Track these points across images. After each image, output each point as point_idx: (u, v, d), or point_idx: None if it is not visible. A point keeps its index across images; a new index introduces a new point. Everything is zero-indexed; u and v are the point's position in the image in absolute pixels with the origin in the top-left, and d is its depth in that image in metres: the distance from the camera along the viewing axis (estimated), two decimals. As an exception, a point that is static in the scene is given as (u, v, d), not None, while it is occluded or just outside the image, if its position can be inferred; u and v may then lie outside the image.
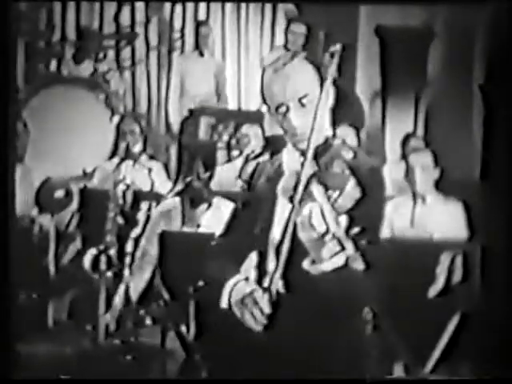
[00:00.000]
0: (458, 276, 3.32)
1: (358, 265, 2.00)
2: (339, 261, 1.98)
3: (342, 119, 3.51)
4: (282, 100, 2.15)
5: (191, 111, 4.69)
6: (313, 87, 2.16)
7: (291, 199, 1.94)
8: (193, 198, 3.54)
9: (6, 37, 4.01)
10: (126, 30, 5.08)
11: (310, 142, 1.99)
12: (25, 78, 4.62)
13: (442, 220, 3.57)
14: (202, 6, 5.17)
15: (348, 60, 4.02)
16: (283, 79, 2.14)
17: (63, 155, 4.19)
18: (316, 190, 1.94)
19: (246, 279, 2.12)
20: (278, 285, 2.13)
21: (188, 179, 3.76)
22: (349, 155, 2.08)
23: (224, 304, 2.15)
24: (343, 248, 1.95)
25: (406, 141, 4.34)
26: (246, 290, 2.04)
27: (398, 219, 3.65)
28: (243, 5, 5.09)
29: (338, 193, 1.95)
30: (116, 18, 5.10)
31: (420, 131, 4.63)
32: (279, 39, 4.95)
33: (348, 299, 2.37)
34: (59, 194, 4.09)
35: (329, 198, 1.96)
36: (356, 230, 1.98)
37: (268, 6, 5.10)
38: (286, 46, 4.46)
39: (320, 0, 4.61)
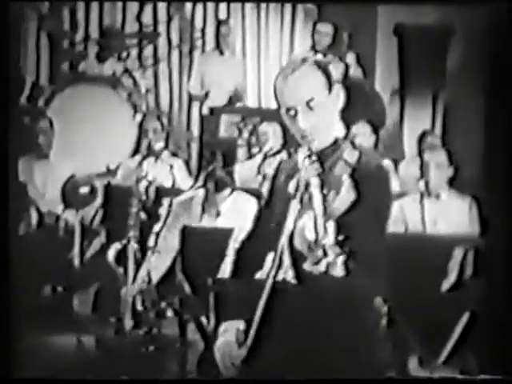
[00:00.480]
0: (469, 271, 3.48)
1: (338, 272, 2.15)
2: (321, 268, 2.15)
3: (361, 117, 3.70)
4: (291, 104, 2.32)
5: (212, 109, 4.86)
6: (320, 91, 2.32)
7: (300, 200, 2.11)
8: (216, 182, 3.73)
9: (6, 36, 4.17)
10: (149, 28, 5.27)
11: (312, 146, 2.14)
12: (49, 77, 4.73)
13: (455, 216, 3.71)
14: (223, 5, 5.35)
15: (368, 58, 4.20)
16: (293, 84, 2.31)
17: (87, 153, 4.32)
18: (315, 193, 2.10)
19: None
20: (289, 276, 2.31)
21: (211, 167, 3.95)
22: (353, 158, 2.24)
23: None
24: (325, 255, 2.12)
25: (422, 138, 4.48)
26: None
27: (412, 215, 3.80)
28: (263, 4, 5.26)
29: (334, 195, 2.11)
30: (138, 17, 5.28)
31: (438, 129, 4.76)
32: (298, 38, 5.10)
33: (360, 294, 2.54)
34: (84, 190, 4.25)
35: (325, 200, 2.12)
36: (341, 237, 2.14)
37: (287, 5, 5.27)
38: (314, 48, 4.61)
39: (339, 0, 4.77)
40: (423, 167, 3.83)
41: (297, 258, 2.31)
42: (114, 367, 3.73)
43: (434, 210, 3.82)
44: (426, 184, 3.82)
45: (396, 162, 4.27)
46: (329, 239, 2.11)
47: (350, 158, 2.28)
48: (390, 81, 4.81)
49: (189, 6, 5.36)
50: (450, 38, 4.76)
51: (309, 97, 2.29)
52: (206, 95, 4.91)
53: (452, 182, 3.90)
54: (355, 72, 4.57)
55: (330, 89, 2.32)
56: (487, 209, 3.75)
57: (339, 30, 4.72)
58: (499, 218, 3.66)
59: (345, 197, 2.21)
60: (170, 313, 3.82)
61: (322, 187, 2.19)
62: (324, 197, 2.20)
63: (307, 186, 2.24)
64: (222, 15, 5.25)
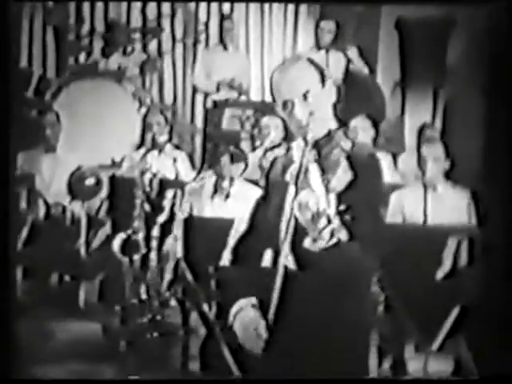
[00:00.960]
0: (463, 260, 3.65)
1: (343, 235, 2.35)
2: (327, 234, 2.34)
3: (360, 111, 3.88)
4: (289, 97, 2.51)
5: (215, 102, 5.01)
6: (315, 85, 2.52)
7: (295, 183, 2.30)
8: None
9: (6, 35, 4.33)
10: (153, 22, 5.42)
11: (308, 135, 2.33)
12: (56, 70, 4.84)
13: (451, 207, 3.88)
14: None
15: (370, 53, 4.35)
16: (289, 79, 2.50)
17: (93, 145, 4.43)
18: (313, 174, 2.29)
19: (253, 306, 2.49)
20: (290, 263, 2.49)
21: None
22: (347, 145, 2.44)
23: (230, 322, 2.53)
24: (330, 222, 2.31)
25: (421, 131, 4.63)
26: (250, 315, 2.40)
27: (409, 206, 3.97)
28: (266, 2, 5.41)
29: (332, 176, 2.31)
30: (143, 11, 5.43)
31: (438, 123, 4.90)
32: (301, 34, 5.23)
33: (357, 279, 2.72)
34: (90, 182, 4.38)
35: (324, 180, 2.31)
36: (343, 207, 2.33)
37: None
38: (317, 44, 4.74)
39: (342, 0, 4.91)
40: (421, 160, 3.98)
41: (296, 243, 2.49)
42: (119, 353, 3.91)
43: (431, 201, 3.98)
44: (424, 176, 3.98)
45: (395, 155, 4.43)
46: (331, 209, 2.30)
47: (345, 146, 2.47)
48: (391, 75, 4.94)
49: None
50: (451, 33, 4.89)
51: (304, 90, 2.48)
52: (218, 89, 5.07)
53: (448, 175, 4.06)
54: (357, 66, 4.72)
55: (323, 83, 2.51)
56: (484, 201, 3.91)
57: (341, 27, 4.86)
58: (495, 210, 3.82)
59: (342, 176, 2.40)
60: (173, 302, 3.99)
61: (320, 171, 2.38)
62: (323, 178, 2.38)
63: (306, 171, 2.42)
64: (226, 9, 5.40)
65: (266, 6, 5.32)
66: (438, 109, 4.82)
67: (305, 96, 2.51)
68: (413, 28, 4.91)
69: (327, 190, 2.35)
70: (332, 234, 2.42)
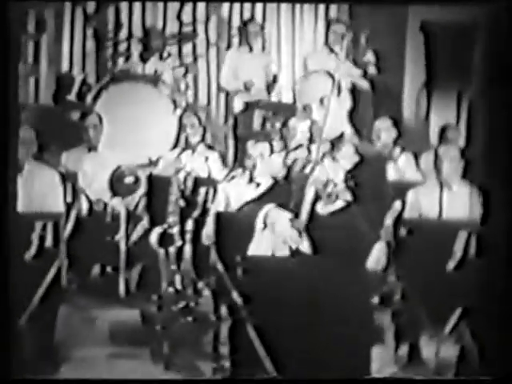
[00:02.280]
0: (472, 252, 4.13)
1: (346, 196, 2.93)
2: (333, 195, 2.95)
3: (383, 112, 4.38)
4: (307, 101, 3.11)
5: (247, 104, 5.44)
6: (329, 91, 3.10)
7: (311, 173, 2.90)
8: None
9: (6, 35, 4.63)
10: (188, 27, 5.84)
11: (324, 127, 2.92)
12: (96, 74, 5.11)
13: (464, 205, 4.35)
14: (259, 5, 5.86)
15: (397, 55, 4.80)
16: (308, 86, 3.08)
17: (132, 146, 4.77)
18: (327, 160, 2.87)
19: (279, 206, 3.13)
20: (305, 247, 3.06)
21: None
22: (355, 141, 3.03)
23: (259, 226, 3.11)
24: (335, 186, 2.90)
25: (443, 132, 5.06)
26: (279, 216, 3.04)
27: (426, 203, 4.45)
28: (297, 4, 5.76)
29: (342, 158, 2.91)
30: (178, 16, 5.69)
31: (462, 124, 5.26)
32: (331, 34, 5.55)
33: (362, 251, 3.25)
34: (129, 180, 4.74)
35: (334, 160, 2.91)
36: (350, 178, 2.92)
37: (321, 6, 5.75)
38: (327, 44, 5.14)
39: (369, 1, 5.20)
40: (437, 160, 4.45)
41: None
42: (155, 337, 4.44)
43: (446, 198, 4.45)
44: (439, 175, 4.44)
45: (416, 154, 4.88)
46: (339, 177, 2.89)
47: (354, 141, 3.05)
48: (418, 76, 5.11)
49: (226, 4, 5.91)
50: (476, 36, 4.97)
51: (321, 95, 3.06)
52: (247, 89, 5.23)
53: (464, 174, 4.50)
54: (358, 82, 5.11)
55: (338, 93, 3.10)
56: (495, 199, 4.36)
57: (356, 30, 5.26)
58: (504, 208, 4.28)
59: (350, 158, 2.99)
60: (206, 292, 4.50)
61: (332, 157, 2.97)
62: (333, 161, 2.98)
63: (322, 159, 3.04)
64: (259, 14, 5.78)
65: (298, 9, 5.71)
66: (462, 110, 5.07)
67: (321, 101, 3.13)
68: (438, 30, 5.05)
69: (337, 167, 2.98)
70: (337, 196, 3.06)
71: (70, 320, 4.29)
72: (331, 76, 3.13)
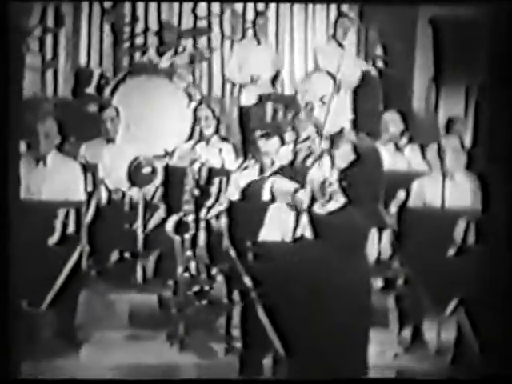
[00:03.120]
0: (471, 239, 4.50)
1: (339, 198, 3.32)
2: (327, 195, 3.35)
3: (391, 105, 4.75)
4: (309, 99, 3.50)
5: (260, 97, 5.55)
6: (330, 90, 3.49)
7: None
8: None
9: (6, 34, 4.82)
10: (203, 20, 6.13)
11: (324, 125, 3.31)
12: (113, 68, 5.35)
13: (466, 194, 4.71)
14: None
15: (406, 50, 5.12)
16: (310, 85, 3.48)
17: (149, 138, 5.04)
18: (325, 159, 3.27)
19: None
20: (307, 232, 3.46)
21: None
22: (353, 137, 3.41)
23: (265, 196, 3.54)
24: (330, 184, 3.30)
25: (449, 124, 5.41)
26: (287, 186, 3.47)
27: (429, 192, 4.82)
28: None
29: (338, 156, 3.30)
30: (193, 10, 5.76)
31: (470, 117, 5.54)
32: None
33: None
34: (146, 170, 5.03)
35: (332, 160, 3.30)
36: (344, 179, 3.31)
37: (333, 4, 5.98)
38: (334, 37, 5.46)
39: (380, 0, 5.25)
40: (441, 151, 4.81)
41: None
42: (171, 320, 4.84)
43: (448, 188, 4.82)
44: (443, 166, 4.80)
45: (423, 146, 5.23)
46: (333, 177, 3.28)
47: (351, 138, 3.44)
48: (427, 71, 5.30)
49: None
50: (483, 32, 5.13)
51: (322, 94, 3.45)
52: (253, 81, 5.41)
53: (468, 165, 4.85)
54: (367, 67, 5.12)
55: (338, 91, 3.48)
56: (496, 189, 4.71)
57: (366, 25, 5.41)
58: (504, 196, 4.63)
59: (346, 156, 3.38)
60: (219, 277, 4.88)
61: (330, 155, 3.36)
62: (332, 160, 3.37)
63: (320, 157, 3.41)
64: (272, 9, 6.04)
65: (310, 8, 5.96)
66: (469, 104, 5.24)
67: (322, 99, 3.53)
68: (446, 26, 5.26)
69: (332, 166, 3.36)
70: (331, 197, 3.46)
71: (90, 304, 4.59)
72: (332, 76, 3.54)
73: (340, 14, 5.27)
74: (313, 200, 3.63)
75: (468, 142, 4.73)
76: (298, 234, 3.84)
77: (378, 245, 3.97)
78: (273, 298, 4.11)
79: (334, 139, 3.70)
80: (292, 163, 3.78)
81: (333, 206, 3.45)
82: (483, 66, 5.05)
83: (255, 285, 4.29)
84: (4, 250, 4.58)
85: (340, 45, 5.10)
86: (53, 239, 4.75)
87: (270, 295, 4.18)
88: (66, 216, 4.79)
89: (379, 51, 5.07)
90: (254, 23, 5.63)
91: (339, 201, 3.44)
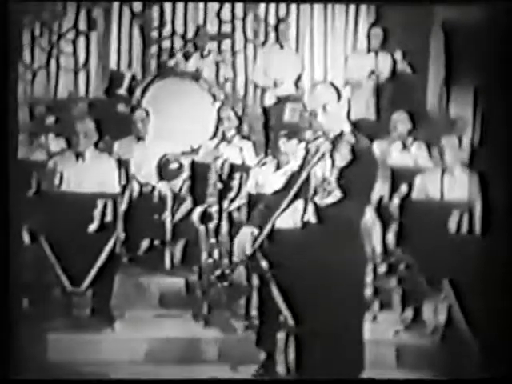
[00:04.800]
0: (464, 228, 5.44)
1: (336, 193, 4.36)
2: (325, 192, 4.36)
3: (400, 106, 5.67)
4: (314, 107, 4.52)
5: (279, 98, 5.90)
6: (333, 100, 4.50)
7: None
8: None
9: (6, 35, 5.34)
10: (227, 24, 6.23)
11: (326, 133, 4.32)
12: (142, 70, 5.89)
13: (462, 187, 5.62)
14: (293, 5, 6.30)
15: (420, 53, 5.91)
16: (315, 94, 4.51)
17: (176, 136, 5.64)
18: (327, 159, 4.30)
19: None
20: (312, 217, 4.50)
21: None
22: (351, 140, 4.43)
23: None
24: (328, 183, 4.33)
25: (453, 123, 6.19)
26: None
27: (430, 186, 5.73)
28: (329, 4, 5.98)
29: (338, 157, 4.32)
30: (218, 14, 6.17)
31: (478, 118, 5.68)
32: (361, 36, 5.96)
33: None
34: (174, 166, 5.68)
35: (332, 160, 4.33)
36: (341, 177, 4.36)
37: (352, 6, 6.13)
38: (368, 49, 5.77)
39: (397, 1, 5.62)
40: (441, 149, 5.71)
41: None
42: (196, 301, 5.76)
43: (447, 182, 5.73)
44: (442, 162, 5.71)
45: (429, 144, 6.08)
46: (333, 176, 4.31)
47: (350, 140, 4.46)
48: (440, 73, 5.77)
49: (263, 4, 6.16)
50: (492, 35, 5.53)
51: (325, 102, 4.48)
52: (275, 85, 5.88)
53: (470, 162, 5.38)
54: (402, 67, 5.74)
55: (339, 99, 4.52)
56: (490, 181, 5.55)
57: (390, 31, 5.74)
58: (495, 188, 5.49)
59: (344, 156, 4.42)
60: (241, 267, 5.53)
61: (331, 156, 4.40)
62: (332, 160, 4.40)
63: (322, 157, 4.45)
64: (293, 15, 6.06)
65: (329, 10, 6.01)
66: (478, 105, 5.67)
67: (325, 107, 4.57)
68: (457, 30, 5.72)
69: (334, 165, 4.40)
70: (329, 193, 4.48)
71: (124, 286, 5.30)
72: (335, 87, 4.60)
73: (357, 23, 5.81)
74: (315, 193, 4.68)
75: (467, 140, 5.39)
76: (305, 219, 4.87)
77: (381, 234, 4.93)
78: (286, 276, 5.07)
79: (335, 141, 4.75)
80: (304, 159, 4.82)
81: (330, 199, 4.51)
82: (491, 69, 5.53)
83: (270, 266, 5.22)
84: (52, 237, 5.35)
85: (355, 49, 5.71)
86: (92, 227, 5.49)
87: (283, 275, 5.14)
88: (104, 206, 5.48)
89: (395, 54, 5.63)
90: (276, 28, 6.10)
91: (336, 195, 4.47)
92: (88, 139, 5.59)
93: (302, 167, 4.79)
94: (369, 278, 4.80)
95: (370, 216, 4.66)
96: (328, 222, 4.81)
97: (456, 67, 5.66)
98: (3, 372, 4.86)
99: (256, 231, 4.59)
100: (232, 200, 5.44)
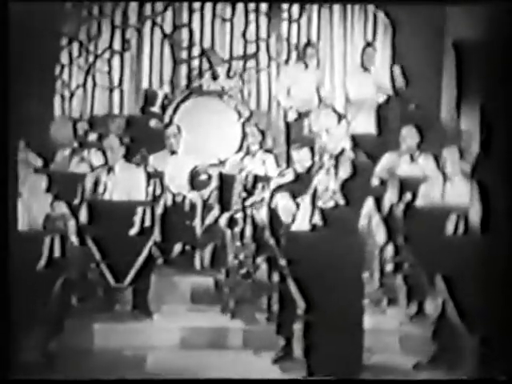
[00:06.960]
0: (461, 229, 6.77)
1: (339, 199, 5.84)
2: (327, 196, 5.83)
3: (408, 122, 7.03)
4: (317, 129, 6.01)
5: (300, 113, 6.86)
6: (333, 124, 6.02)
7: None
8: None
9: (5, 39, 6.00)
10: (252, 43, 7.08)
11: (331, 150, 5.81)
12: (171, 89, 6.78)
13: (462, 195, 6.90)
14: (314, 25, 7.27)
15: (433, 70, 7.17)
16: (319, 117, 6.00)
17: (205, 150, 6.53)
18: (331, 171, 5.76)
19: None
20: (318, 220, 5.96)
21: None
22: (351, 155, 5.95)
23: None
24: (327, 189, 5.76)
25: (459, 136, 7.42)
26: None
27: (432, 192, 6.98)
28: (349, 23, 7.05)
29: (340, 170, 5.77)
30: (244, 34, 7.02)
31: (484, 131, 6.50)
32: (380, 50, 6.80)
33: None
34: (203, 177, 6.61)
35: (335, 173, 5.79)
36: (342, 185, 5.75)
37: (369, 24, 7.30)
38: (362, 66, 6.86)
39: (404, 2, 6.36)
40: (442, 160, 7.02)
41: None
42: (224, 297, 7.06)
43: (449, 189, 6.98)
44: (444, 172, 6.98)
45: (436, 156, 7.18)
46: (335, 185, 5.77)
47: (350, 155, 5.94)
48: (452, 90, 6.64)
49: (285, 24, 7.06)
50: (500, 53, 6.26)
51: (327, 126, 5.95)
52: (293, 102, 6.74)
53: (472, 172, 6.43)
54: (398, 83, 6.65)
55: (339, 122, 6.00)
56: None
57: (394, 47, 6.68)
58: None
59: (346, 170, 5.90)
60: (263, 266, 6.91)
61: (335, 169, 5.86)
62: (335, 174, 5.86)
63: (327, 171, 5.91)
64: (314, 35, 6.95)
65: (349, 24, 6.90)
66: (484, 120, 6.53)
67: (328, 131, 6.04)
68: (468, 49, 6.52)
69: (336, 177, 5.86)
70: (331, 198, 5.93)
71: (160, 283, 6.37)
72: (337, 112, 6.09)
73: (369, 44, 6.74)
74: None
75: (473, 150, 6.39)
76: (313, 222, 6.31)
77: (386, 237, 6.31)
78: (301, 272, 6.45)
79: (338, 157, 6.20)
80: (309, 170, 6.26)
81: (330, 204, 5.98)
82: (496, 86, 6.30)
83: (288, 263, 6.38)
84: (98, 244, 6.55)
85: (366, 69, 6.67)
86: (133, 231, 6.55)
87: (299, 271, 6.52)
88: (144, 213, 6.55)
89: (401, 72, 6.60)
90: (297, 47, 6.96)
91: (338, 202, 5.95)
92: (114, 154, 6.54)
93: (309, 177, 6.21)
94: (376, 275, 6.11)
95: (375, 221, 6.04)
96: (332, 225, 6.22)
97: (465, 84, 6.51)
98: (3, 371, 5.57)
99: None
100: (255, 207, 6.52)
